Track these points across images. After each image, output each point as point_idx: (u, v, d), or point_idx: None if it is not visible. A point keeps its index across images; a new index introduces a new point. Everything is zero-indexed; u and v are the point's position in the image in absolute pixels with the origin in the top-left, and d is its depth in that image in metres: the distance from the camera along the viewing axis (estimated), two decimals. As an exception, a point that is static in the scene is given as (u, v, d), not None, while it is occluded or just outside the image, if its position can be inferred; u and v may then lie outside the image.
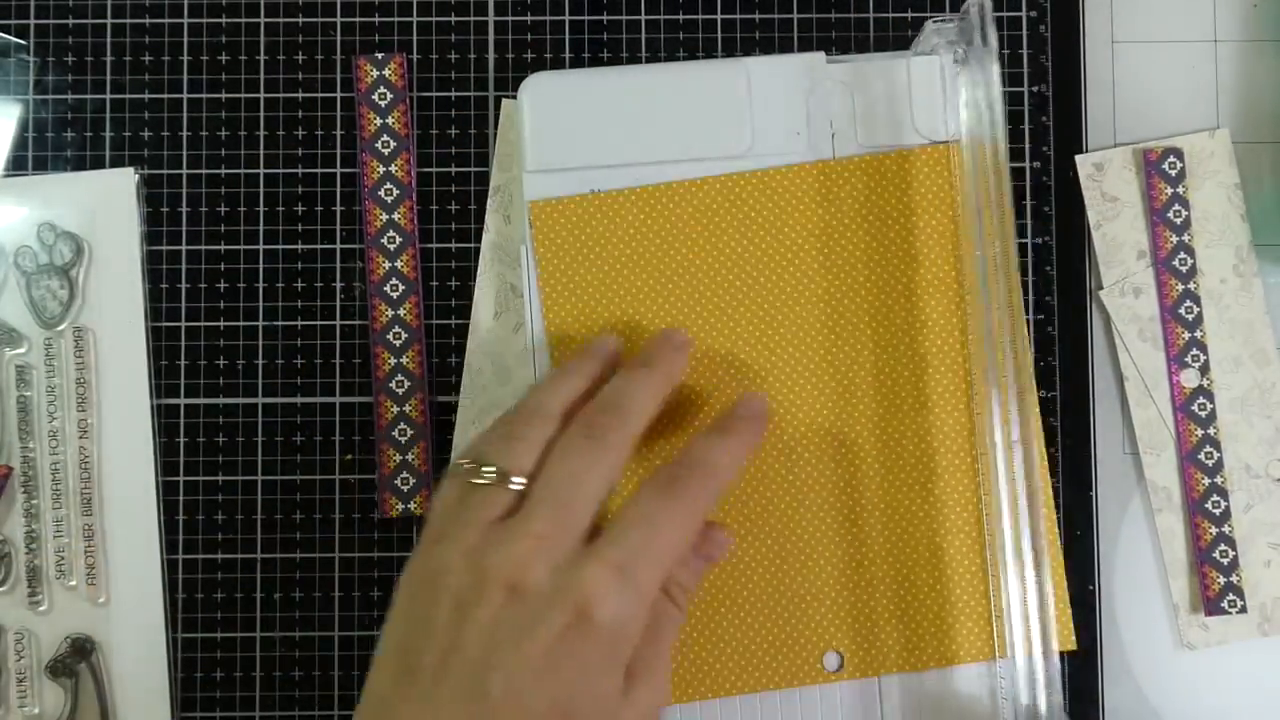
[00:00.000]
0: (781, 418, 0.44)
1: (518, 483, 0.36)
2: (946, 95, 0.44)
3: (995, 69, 0.41)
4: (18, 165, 0.46)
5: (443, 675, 0.34)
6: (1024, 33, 0.46)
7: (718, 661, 0.43)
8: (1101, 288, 0.46)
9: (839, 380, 0.44)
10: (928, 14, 0.46)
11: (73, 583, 0.45)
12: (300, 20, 0.46)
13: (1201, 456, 0.45)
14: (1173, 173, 0.46)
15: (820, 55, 0.44)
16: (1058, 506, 0.45)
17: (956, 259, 0.44)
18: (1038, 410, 0.43)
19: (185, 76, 0.46)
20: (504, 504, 0.36)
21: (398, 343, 0.46)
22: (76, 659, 0.45)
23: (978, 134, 0.42)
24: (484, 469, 0.37)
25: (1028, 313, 0.46)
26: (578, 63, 0.46)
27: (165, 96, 0.46)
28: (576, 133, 0.44)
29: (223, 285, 0.46)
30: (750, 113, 0.44)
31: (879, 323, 0.44)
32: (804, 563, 0.43)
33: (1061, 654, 0.44)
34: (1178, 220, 0.46)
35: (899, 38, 0.46)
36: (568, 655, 0.34)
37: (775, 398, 0.44)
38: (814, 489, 0.43)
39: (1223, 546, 0.45)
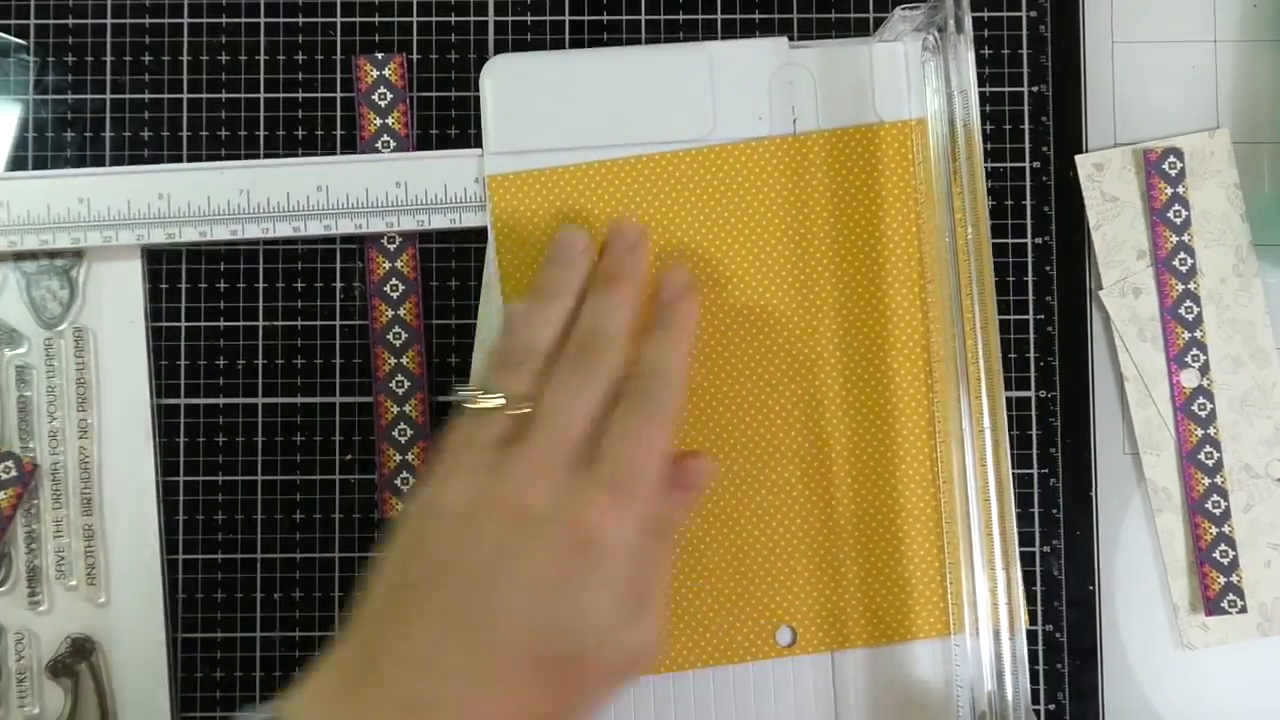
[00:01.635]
0: (742, 395, 0.44)
1: (516, 409, 0.38)
2: (910, 81, 0.44)
3: (970, 55, 0.41)
4: (18, 165, 0.46)
5: (439, 588, 0.34)
6: (1024, 33, 0.46)
7: (671, 636, 0.43)
8: (1101, 288, 0.46)
9: (802, 358, 0.44)
10: None
11: (73, 583, 0.45)
12: (300, 20, 0.46)
13: (1201, 456, 0.45)
14: (1173, 173, 0.46)
15: (783, 40, 0.44)
16: (1057, 507, 0.45)
17: (919, 241, 0.44)
18: (1003, 397, 0.43)
19: (185, 76, 0.46)
20: (503, 429, 0.37)
21: (398, 343, 0.46)
22: (76, 659, 0.45)
23: (949, 119, 0.42)
24: (485, 395, 0.38)
25: (1027, 312, 0.46)
26: (578, 63, 0.46)
27: (165, 96, 0.46)
28: (538, 115, 0.44)
29: (223, 285, 0.46)
30: (713, 97, 0.44)
31: (844, 302, 0.44)
32: (759, 538, 0.44)
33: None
34: (1178, 220, 0.46)
35: (878, 20, 0.46)
36: (569, 575, 0.35)
37: (738, 374, 0.44)
38: (771, 466, 0.44)
39: (1223, 546, 0.45)
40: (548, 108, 0.44)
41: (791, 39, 0.45)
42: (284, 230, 0.44)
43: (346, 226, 0.44)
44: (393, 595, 0.35)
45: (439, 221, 0.44)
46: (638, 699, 0.43)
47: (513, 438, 0.37)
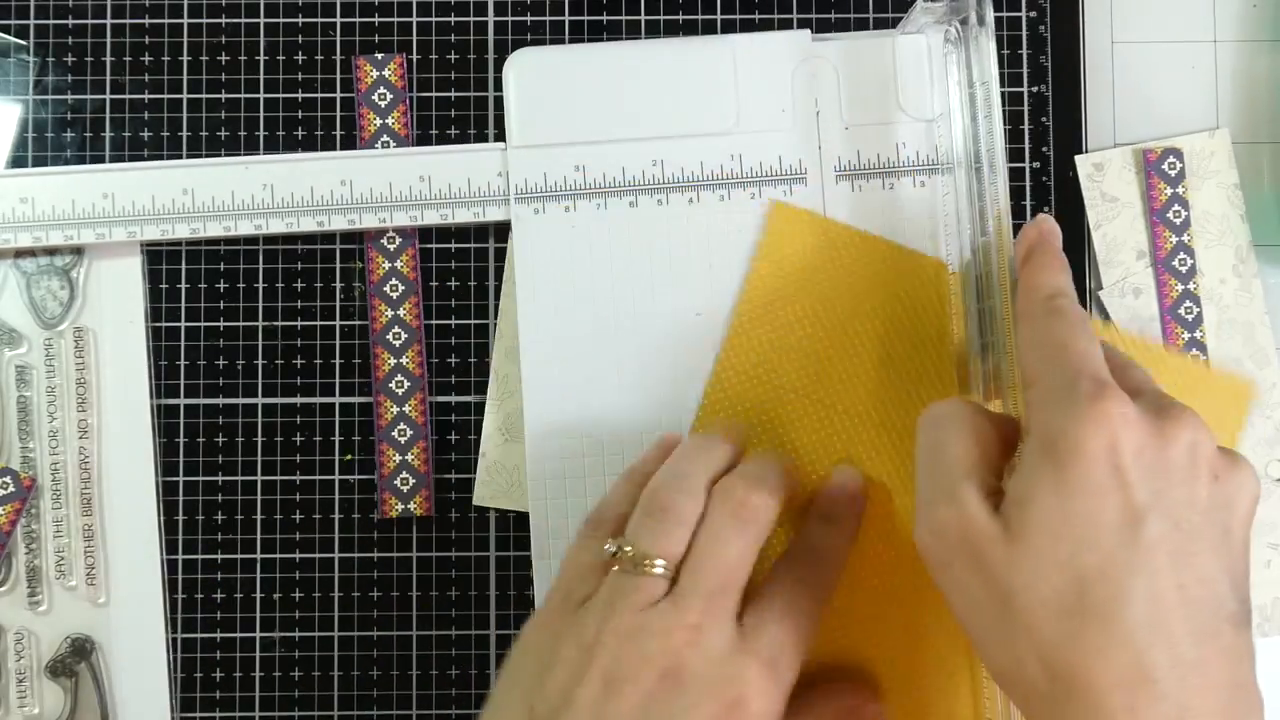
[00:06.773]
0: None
1: (664, 569, 0.37)
2: (933, 75, 0.44)
3: (991, 47, 0.41)
4: (18, 165, 0.46)
5: None
6: (1024, 33, 0.46)
7: None
8: (1101, 288, 0.46)
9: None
10: None
11: (73, 583, 0.45)
12: (300, 20, 0.46)
13: (1201, 456, 0.45)
14: (1172, 173, 0.46)
15: (805, 33, 0.44)
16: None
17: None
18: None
19: (185, 76, 0.46)
20: (657, 592, 0.37)
21: (397, 343, 0.46)
22: (76, 659, 0.45)
23: (972, 112, 0.42)
24: (636, 557, 0.37)
25: (1028, 313, 0.46)
26: (578, 63, 0.46)
27: (165, 96, 0.46)
28: (561, 108, 0.44)
29: (223, 285, 0.46)
30: (736, 90, 0.44)
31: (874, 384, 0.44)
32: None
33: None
34: (1177, 220, 0.46)
35: (896, 16, 0.46)
36: None
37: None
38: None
39: (1223, 546, 0.45)
40: (570, 101, 0.44)
41: (815, 31, 0.45)
42: (308, 225, 0.44)
43: (370, 221, 0.45)
44: None
45: (463, 215, 0.45)
46: None
47: (663, 593, 0.37)
